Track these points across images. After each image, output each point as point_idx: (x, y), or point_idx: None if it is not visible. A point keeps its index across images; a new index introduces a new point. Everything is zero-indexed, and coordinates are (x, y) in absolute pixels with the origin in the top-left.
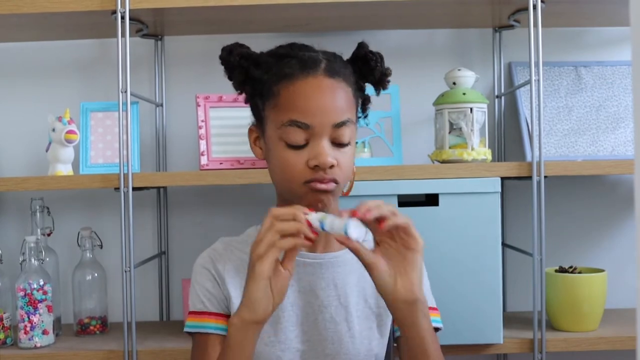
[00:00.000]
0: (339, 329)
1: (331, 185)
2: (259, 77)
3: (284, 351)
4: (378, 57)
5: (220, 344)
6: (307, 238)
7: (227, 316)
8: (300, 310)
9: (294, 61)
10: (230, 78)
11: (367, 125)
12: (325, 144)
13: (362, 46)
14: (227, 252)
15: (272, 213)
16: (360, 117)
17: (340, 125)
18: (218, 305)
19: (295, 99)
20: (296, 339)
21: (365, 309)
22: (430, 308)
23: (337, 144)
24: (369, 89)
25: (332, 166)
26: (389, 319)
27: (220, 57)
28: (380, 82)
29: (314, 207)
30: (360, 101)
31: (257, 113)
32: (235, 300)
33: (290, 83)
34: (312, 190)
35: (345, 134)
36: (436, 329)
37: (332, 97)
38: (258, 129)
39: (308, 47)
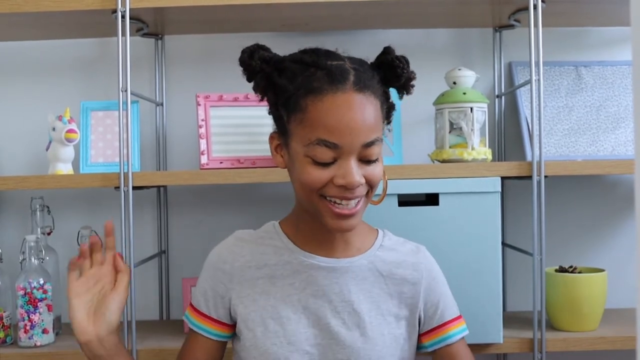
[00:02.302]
0: (351, 335)
1: (356, 208)
2: (283, 86)
3: (292, 352)
4: (405, 63)
5: (208, 347)
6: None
7: (222, 323)
8: (312, 314)
9: (321, 73)
10: (249, 80)
11: (389, 131)
12: (353, 163)
13: (388, 52)
14: (238, 247)
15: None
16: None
17: (369, 145)
18: (215, 311)
19: (324, 117)
20: (306, 342)
21: (378, 316)
22: (458, 317)
23: (366, 161)
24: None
25: (359, 185)
26: (402, 326)
27: (240, 60)
28: (405, 87)
29: (339, 233)
30: (386, 110)
31: (281, 123)
32: (237, 298)
33: (318, 99)
34: (334, 214)
35: (374, 152)
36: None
37: (362, 115)
38: (280, 138)
39: (333, 54)
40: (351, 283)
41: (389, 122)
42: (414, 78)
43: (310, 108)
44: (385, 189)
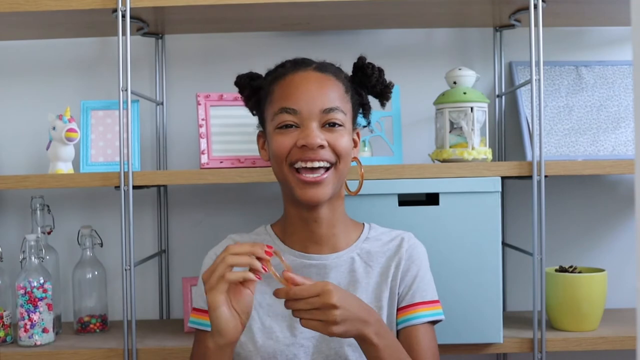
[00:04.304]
0: None
1: (322, 176)
2: (260, 86)
3: (287, 346)
4: (376, 68)
5: None
6: (257, 272)
7: None
8: None
9: (288, 63)
10: (243, 97)
11: (368, 124)
12: (314, 126)
13: (360, 58)
14: None
15: (227, 248)
16: (365, 125)
17: (328, 111)
18: None
19: (285, 90)
20: (300, 335)
21: (370, 304)
22: (431, 302)
23: (329, 125)
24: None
25: (321, 146)
26: (386, 312)
27: (235, 83)
28: (382, 94)
29: (309, 204)
30: (360, 107)
31: (261, 117)
32: None
33: (282, 79)
34: (302, 183)
35: (337, 117)
36: (437, 321)
37: (319, 86)
38: (263, 134)
39: (305, 59)
40: (341, 276)
41: (369, 123)
42: (391, 86)
43: (275, 89)
44: (361, 179)
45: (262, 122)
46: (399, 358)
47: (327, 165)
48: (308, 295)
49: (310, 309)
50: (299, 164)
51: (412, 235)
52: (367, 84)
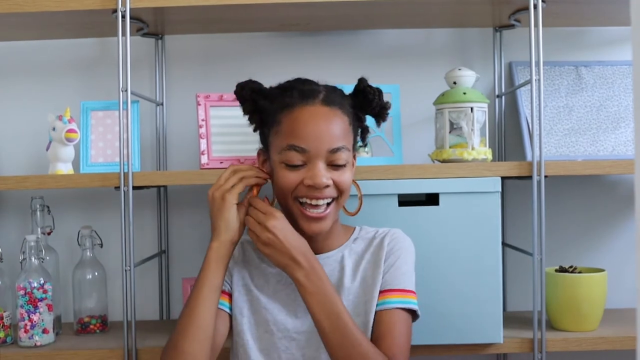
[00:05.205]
0: None
1: (325, 212)
2: (265, 107)
3: (280, 339)
4: (376, 91)
5: (226, 318)
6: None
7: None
8: (299, 306)
9: (295, 92)
10: (243, 109)
11: (367, 153)
12: (321, 166)
13: (361, 81)
14: (239, 252)
15: (232, 167)
16: (360, 146)
17: (335, 151)
18: (227, 286)
19: (294, 126)
20: (293, 329)
21: (356, 298)
22: (404, 290)
23: (334, 165)
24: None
25: (326, 186)
26: (373, 301)
27: (235, 92)
28: (380, 115)
29: (311, 235)
30: (359, 131)
31: (264, 139)
32: (238, 280)
33: (290, 112)
34: (306, 217)
35: (341, 157)
36: (412, 311)
37: (327, 124)
38: (265, 154)
39: (310, 82)
40: (332, 273)
41: (364, 145)
42: (388, 107)
43: (283, 120)
44: (360, 200)
45: (264, 144)
46: (331, 309)
47: (330, 200)
48: (259, 208)
49: (255, 221)
50: (304, 199)
51: (398, 230)
52: (367, 107)
